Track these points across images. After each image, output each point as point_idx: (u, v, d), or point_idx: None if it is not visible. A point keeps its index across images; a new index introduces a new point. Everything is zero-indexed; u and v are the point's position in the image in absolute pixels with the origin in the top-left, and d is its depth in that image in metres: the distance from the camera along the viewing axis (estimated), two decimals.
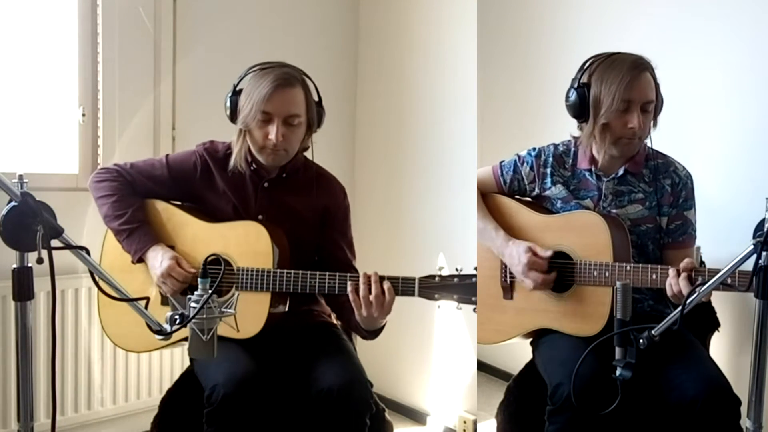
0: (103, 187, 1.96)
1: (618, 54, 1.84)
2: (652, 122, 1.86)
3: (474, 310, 1.78)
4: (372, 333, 1.88)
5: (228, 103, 1.93)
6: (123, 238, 1.92)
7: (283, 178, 1.99)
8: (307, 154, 2.03)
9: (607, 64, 1.83)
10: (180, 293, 1.87)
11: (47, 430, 1.50)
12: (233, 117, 1.92)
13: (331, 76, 3.15)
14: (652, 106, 1.83)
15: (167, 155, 2.03)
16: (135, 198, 1.96)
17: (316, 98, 1.96)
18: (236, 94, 1.91)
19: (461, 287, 1.75)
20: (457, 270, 1.76)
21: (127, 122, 2.60)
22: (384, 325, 1.87)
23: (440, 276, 1.77)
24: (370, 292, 1.74)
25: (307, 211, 2.00)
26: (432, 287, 1.76)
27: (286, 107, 1.86)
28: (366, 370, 1.85)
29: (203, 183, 1.99)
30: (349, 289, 1.77)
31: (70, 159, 2.57)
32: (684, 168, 1.93)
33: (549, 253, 1.87)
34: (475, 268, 1.77)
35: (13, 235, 1.25)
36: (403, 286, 1.77)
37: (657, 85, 1.85)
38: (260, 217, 1.95)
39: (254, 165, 1.96)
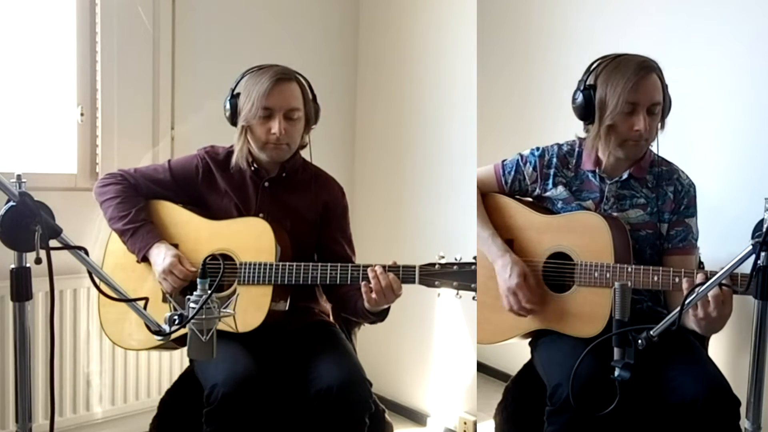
0: (107, 191, 1.99)
1: (624, 55, 1.83)
2: (659, 124, 1.84)
3: (474, 298, 1.81)
4: (379, 315, 1.90)
5: (227, 106, 1.97)
6: (127, 238, 1.94)
7: (283, 177, 2.03)
8: (305, 154, 2.07)
9: (613, 65, 1.81)
10: (180, 292, 1.88)
11: (46, 431, 1.50)
12: (233, 119, 1.97)
13: (331, 74, 3.14)
14: (659, 108, 1.81)
15: (169, 160, 2.08)
16: (138, 198, 1.99)
17: (311, 95, 2.00)
18: (234, 97, 1.96)
19: (460, 274, 1.79)
20: (456, 259, 1.80)
21: (126, 122, 2.59)
22: (390, 306, 1.87)
23: (440, 263, 1.80)
24: (381, 284, 1.77)
25: (307, 210, 2.03)
26: (432, 274, 1.80)
27: (287, 101, 1.91)
28: (366, 371, 1.85)
29: (205, 185, 2.03)
30: (363, 288, 1.79)
31: (69, 159, 2.57)
32: (687, 177, 1.93)
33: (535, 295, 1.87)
34: (475, 257, 1.79)
35: (11, 235, 1.25)
36: (404, 274, 1.80)
37: (664, 87, 1.83)
38: (261, 215, 1.98)
39: (255, 165, 2.01)
